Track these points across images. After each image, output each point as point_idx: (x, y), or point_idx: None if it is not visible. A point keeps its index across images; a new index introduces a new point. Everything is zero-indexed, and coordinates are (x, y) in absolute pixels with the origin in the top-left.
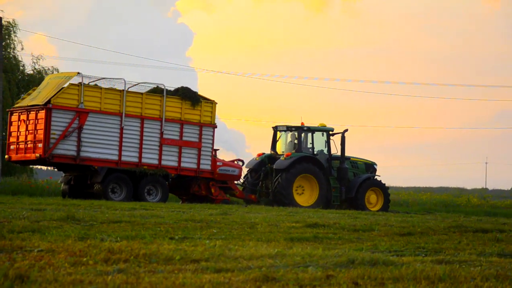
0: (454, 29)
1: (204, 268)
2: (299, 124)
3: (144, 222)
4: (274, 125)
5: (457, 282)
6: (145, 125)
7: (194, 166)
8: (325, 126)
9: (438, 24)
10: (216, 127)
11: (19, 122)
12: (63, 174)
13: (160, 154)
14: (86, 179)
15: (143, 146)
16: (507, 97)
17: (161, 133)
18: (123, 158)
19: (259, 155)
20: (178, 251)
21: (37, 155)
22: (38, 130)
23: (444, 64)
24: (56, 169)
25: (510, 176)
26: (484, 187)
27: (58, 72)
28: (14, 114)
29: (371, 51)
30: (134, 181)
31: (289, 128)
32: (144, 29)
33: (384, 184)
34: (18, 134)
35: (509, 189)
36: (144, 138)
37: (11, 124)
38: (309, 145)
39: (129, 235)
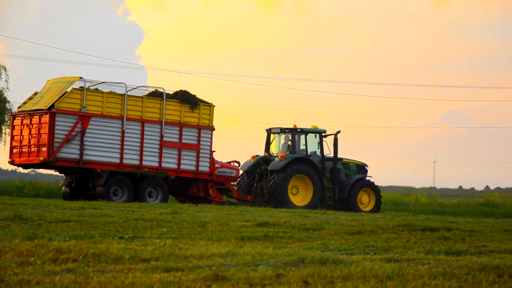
0: (404, 30)
1: (154, 267)
2: (291, 126)
3: (94, 221)
4: (268, 128)
5: (405, 280)
6: (145, 128)
7: (193, 168)
8: (318, 128)
9: (389, 24)
10: (214, 130)
11: (22, 126)
12: (64, 177)
13: (160, 157)
14: (88, 182)
15: (144, 149)
16: (455, 97)
17: (161, 136)
18: (124, 161)
19: (253, 157)
20: (128, 251)
21: (41, 158)
22: (42, 134)
23: (394, 64)
24: (57, 172)
25: (458, 175)
26: (432, 186)
27: None
28: (17, 118)
29: (321, 50)
30: (135, 183)
31: (282, 130)
32: (93, 27)
33: (376, 185)
34: (21, 138)
35: (457, 188)
36: (144, 141)
37: (13, 128)
38: (302, 147)
39: (78, 235)
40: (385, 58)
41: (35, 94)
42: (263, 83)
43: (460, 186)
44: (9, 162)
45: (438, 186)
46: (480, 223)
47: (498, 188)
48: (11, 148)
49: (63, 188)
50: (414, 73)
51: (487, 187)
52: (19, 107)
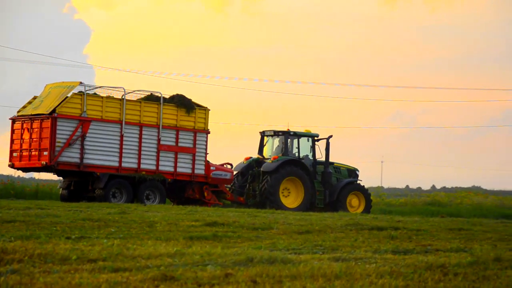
0: (353, 29)
1: (102, 267)
2: (285, 129)
3: (40, 221)
4: (261, 130)
5: (352, 279)
6: (143, 132)
7: (189, 171)
8: (310, 132)
9: (337, 24)
10: (209, 133)
11: (22, 130)
12: (62, 180)
13: (158, 160)
14: (86, 184)
15: (142, 152)
16: (402, 98)
17: (159, 140)
18: (123, 164)
19: (246, 158)
20: (75, 251)
21: (43, 162)
22: (43, 139)
23: (342, 64)
24: (56, 175)
25: (405, 175)
26: (380, 185)
27: None
28: (17, 122)
29: (270, 50)
30: (133, 186)
31: (276, 133)
32: (39, 25)
33: (366, 188)
34: (22, 142)
35: (404, 187)
36: (142, 144)
37: (13, 132)
38: (295, 150)
39: (24, 235)
40: (333, 58)
41: (34, 98)
42: (211, 82)
43: (407, 186)
44: (9, 165)
45: (385, 185)
46: (426, 222)
47: (444, 187)
48: (11, 151)
49: (60, 190)
50: (361, 73)
51: (433, 186)
52: (18, 111)
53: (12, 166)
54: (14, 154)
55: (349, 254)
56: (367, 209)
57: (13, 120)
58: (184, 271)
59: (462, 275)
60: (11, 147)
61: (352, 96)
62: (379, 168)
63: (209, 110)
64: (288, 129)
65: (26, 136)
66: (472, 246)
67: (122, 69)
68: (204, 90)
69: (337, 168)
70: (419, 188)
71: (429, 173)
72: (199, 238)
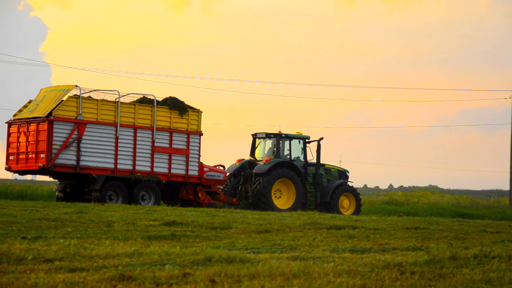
0: (309, 28)
1: (58, 267)
2: (277, 132)
3: None
4: (253, 133)
5: (311, 278)
6: (138, 134)
7: (183, 172)
8: (302, 134)
9: (295, 24)
10: (202, 135)
11: (19, 133)
12: (58, 182)
13: (152, 162)
14: (82, 187)
15: (137, 154)
16: (359, 97)
17: (153, 142)
18: (118, 166)
19: (238, 160)
20: (31, 251)
21: (40, 165)
22: (40, 141)
23: (300, 64)
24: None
25: (362, 174)
26: None
27: None
28: (13, 125)
29: (227, 50)
30: (129, 187)
31: (268, 136)
32: None
33: (356, 190)
34: (18, 145)
35: (362, 186)
36: (137, 146)
37: (9, 135)
38: (286, 152)
39: None
40: (291, 58)
41: (30, 102)
42: (170, 81)
43: (365, 185)
44: (5, 168)
45: None
46: (384, 221)
47: (401, 186)
48: (8, 155)
49: (56, 193)
50: (319, 73)
51: (390, 185)
52: (14, 115)
53: (8, 169)
54: (11, 157)
55: (308, 253)
56: (357, 210)
57: (9, 124)
58: (142, 271)
59: (419, 274)
60: (7, 150)
61: (311, 95)
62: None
63: (202, 112)
64: (279, 132)
65: (22, 139)
66: (429, 245)
67: (81, 67)
68: (163, 89)
69: (328, 169)
70: (377, 187)
71: (386, 173)
72: (157, 238)
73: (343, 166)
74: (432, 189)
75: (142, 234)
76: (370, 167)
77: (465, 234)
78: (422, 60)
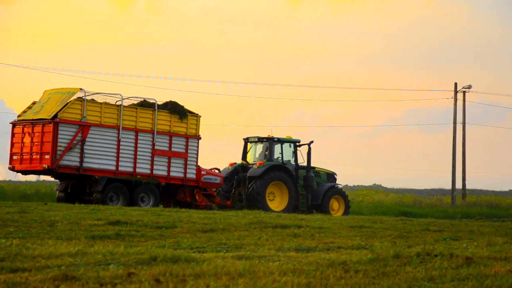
0: (256, 28)
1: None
2: (267, 136)
3: None
4: (245, 137)
5: (256, 277)
6: (139, 137)
7: (182, 175)
8: (292, 138)
9: (241, 23)
10: (201, 139)
11: (23, 134)
12: (59, 182)
13: (152, 164)
14: (83, 187)
15: (138, 156)
16: (303, 97)
17: (153, 145)
18: (120, 168)
19: (231, 164)
20: None
21: (45, 166)
22: (45, 143)
23: (247, 63)
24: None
25: None
26: None
27: None
28: (17, 126)
29: (172, 48)
30: (129, 189)
31: (260, 140)
32: None
33: (345, 192)
34: (22, 146)
35: None
36: (138, 149)
37: (13, 135)
38: (278, 155)
39: None
40: (237, 57)
41: (33, 103)
42: (117, 80)
43: None
44: (9, 168)
45: None
46: (328, 220)
47: (346, 185)
48: (11, 155)
49: (57, 193)
50: (265, 72)
51: None
52: (19, 116)
53: (12, 168)
54: (14, 157)
55: (253, 252)
56: (347, 212)
57: (14, 125)
58: (85, 271)
59: (363, 272)
60: (11, 150)
61: (257, 95)
62: None
63: (200, 116)
64: (269, 135)
65: (27, 140)
66: (373, 243)
67: (26, 66)
68: (109, 88)
69: (317, 172)
70: None
71: None
72: (101, 237)
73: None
74: (377, 188)
75: (86, 234)
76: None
77: (408, 233)
78: (367, 60)
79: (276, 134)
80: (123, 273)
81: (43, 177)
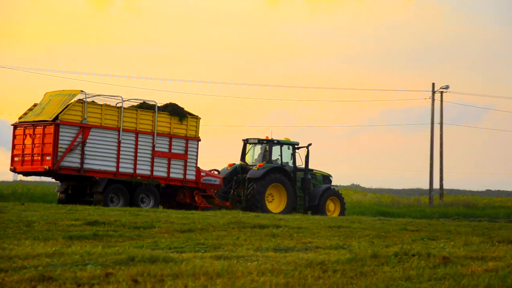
0: (233, 27)
1: None
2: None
3: None
4: (244, 138)
5: (234, 277)
6: (139, 139)
7: (181, 176)
8: (290, 140)
9: (218, 23)
10: (200, 140)
11: (24, 136)
12: (60, 183)
13: (152, 166)
14: (84, 188)
15: (138, 158)
16: (281, 97)
17: (153, 146)
18: (120, 170)
19: (230, 165)
20: None
21: (46, 167)
22: (46, 144)
23: (224, 62)
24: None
25: None
26: None
27: None
28: (19, 128)
29: (151, 48)
30: (129, 190)
31: (260, 141)
32: None
33: (341, 194)
34: (23, 147)
35: None
36: (138, 151)
37: (15, 137)
38: (276, 157)
39: None
40: (215, 57)
41: (34, 105)
42: (90, 79)
43: None
44: (10, 169)
45: None
46: (307, 220)
47: None
48: (13, 156)
49: (58, 194)
50: (243, 72)
51: None
52: (20, 118)
53: (13, 170)
54: (16, 159)
55: (231, 252)
56: (342, 213)
57: (15, 126)
58: (62, 271)
59: (341, 272)
60: (12, 151)
61: (236, 95)
62: None
63: (200, 118)
64: (267, 137)
65: (28, 141)
66: (351, 243)
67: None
68: (84, 87)
69: (313, 174)
70: None
71: None
72: (79, 238)
73: None
74: (355, 188)
75: (63, 234)
76: None
77: (386, 233)
78: (345, 60)
79: (255, 135)
80: (100, 274)
81: (43, 178)
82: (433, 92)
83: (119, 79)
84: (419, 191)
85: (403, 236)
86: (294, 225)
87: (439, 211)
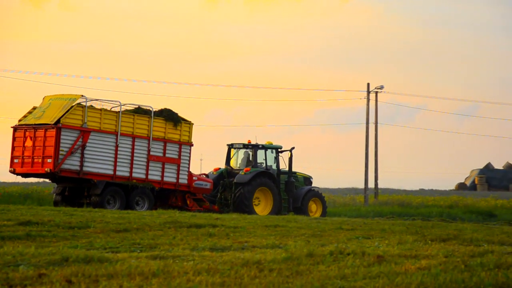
0: (171, 26)
1: None
2: (247, 142)
3: None
4: (229, 143)
5: (170, 276)
6: (135, 143)
7: (174, 180)
8: (273, 144)
9: (157, 21)
10: (193, 145)
11: (25, 138)
12: (56, 185)
13: (147, 169)
14: (81, 191)
15: (134, 162)
16: (219, 96)
17: (149, 151)
18: (117, 173)
19: (215, 169)
20: None
21: (47, 169)
22: (47, 147)
23: (162, 61)
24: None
25: None
26: None
27: None
28: (19, 130)
29: (88, 46)
30: (126, 193)
31: (245, 146)
32: None
33: (322, 195)
34: (24, 150)
35: None
36: (134, 154)
37: (14, 139)
38: (260, 161)
39: None
40: (153, 56)
41: (34, 108)
42: (22, 77)
43: None
44: (10, 171)
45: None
46: (243, 219)
47: None
48: (12, 158)
49: (54, 196)
50: (182, 71)
51: None
52: (19, 120)
53: (13, 171)
54: (15, 161)
55: (167, 252)
56: (324, 213)
57: (15, 129)
58: None
59: (277, 271)
60: (12, 153)
61: (175, 94)
62: (198, 166)
63: (193, 124)
64: (250, 142)
65: (28, 144)
66: (287, 243)
67: None
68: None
69: (295, 176)
70: None
71: None
72: (11, 238)
73: (203, 165)
74: None
75: None
76: None
77: (322, 232)
78: (282, 59)
79: (193, 134)
80: (33, 274)
81: (43, 180)
82: (368, 92)
83: (51, 77)
84: (354, 190)
85: (339, 235)
86: (230, 224)
87: (374, 210)
